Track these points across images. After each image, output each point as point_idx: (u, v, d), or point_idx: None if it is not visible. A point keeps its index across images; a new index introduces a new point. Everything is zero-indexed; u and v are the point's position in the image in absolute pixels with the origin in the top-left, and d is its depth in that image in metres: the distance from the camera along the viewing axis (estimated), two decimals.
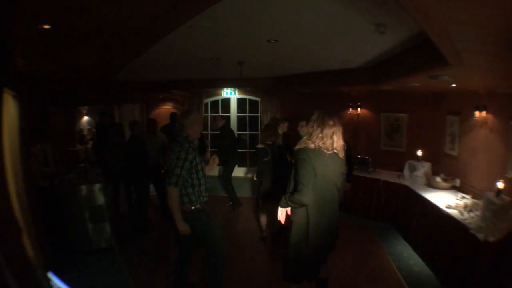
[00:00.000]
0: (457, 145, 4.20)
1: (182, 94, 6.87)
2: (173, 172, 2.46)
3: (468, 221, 2.96)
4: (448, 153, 4.42)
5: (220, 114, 6.68)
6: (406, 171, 4.67)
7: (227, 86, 6.42)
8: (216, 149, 5.84)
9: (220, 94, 7.09)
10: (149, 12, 1.88)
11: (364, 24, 2.29)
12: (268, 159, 3.91)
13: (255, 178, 4.10)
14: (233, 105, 7.23)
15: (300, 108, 6.59)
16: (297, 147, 2.31)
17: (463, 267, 2.86)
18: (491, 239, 2.61)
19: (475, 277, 2.70)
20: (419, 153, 4.65)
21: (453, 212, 3.24)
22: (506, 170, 3.17)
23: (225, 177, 5.59)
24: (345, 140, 2.43)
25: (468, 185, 3.85)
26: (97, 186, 3.81)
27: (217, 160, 2.91)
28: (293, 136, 4.35)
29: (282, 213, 2.36)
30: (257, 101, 7.10)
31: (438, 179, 4.20)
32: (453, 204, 3.44)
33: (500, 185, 3.00)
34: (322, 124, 2.23)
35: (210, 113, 7.36)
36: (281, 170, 3.73)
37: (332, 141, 2.22)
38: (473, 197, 3.56)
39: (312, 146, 2.22)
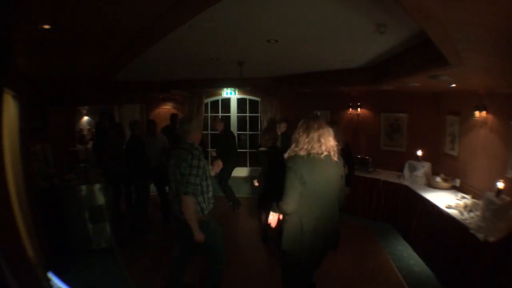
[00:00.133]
0: (457, 145, 4.20)
1: (182, 94, 6.87)
2: (188, 181, 2.41)
3: (468, 221, 2.96)
4: (448, 153, 4.42)
5: (220, 114, 6.68)
6: (406, 171, 4.67)
7: (227, 86, 6.42)
8: (215, 149, 5.84)
9: (220, 94, 7.10)
10: (149, 12, 1.88)
11: (364, 24, 2.28)
12: (269, 161, 3.94)
13: (256, 184, 4.11)
14: (233, 105, 7.24)
15: (300, 108, 6.61)
16: (286, 155, 2.30)
17: (463, 267, 2.86)
18: (491, 239, 2.61)
19: (475, 277, 2.70)
20: (419, 153, 4.65)
21: (453, 212, 3.24)
22: (506, 170, 3.17)
23: (224, 178, 5.58)
24: (345, 140, 2.42)
25: (468, 185, 3.85)
26: (97, 186, 3.81)
27: (221, 164, 2.91)
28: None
29: (273, 217, 2.40)
30: (257, 101, 7.11)
31: (438, 179, 4.20)
32: (453, 204, 3.44)
33: (500, 185, 3.00)
34: (307, 129, 2.23)
35: (210, 113, 7.37)
36: (280, 172, 3.73)
37: (320, 143, 2.21)
38: (473, 197, 3.56)
39: (301, 153, 2.20)
